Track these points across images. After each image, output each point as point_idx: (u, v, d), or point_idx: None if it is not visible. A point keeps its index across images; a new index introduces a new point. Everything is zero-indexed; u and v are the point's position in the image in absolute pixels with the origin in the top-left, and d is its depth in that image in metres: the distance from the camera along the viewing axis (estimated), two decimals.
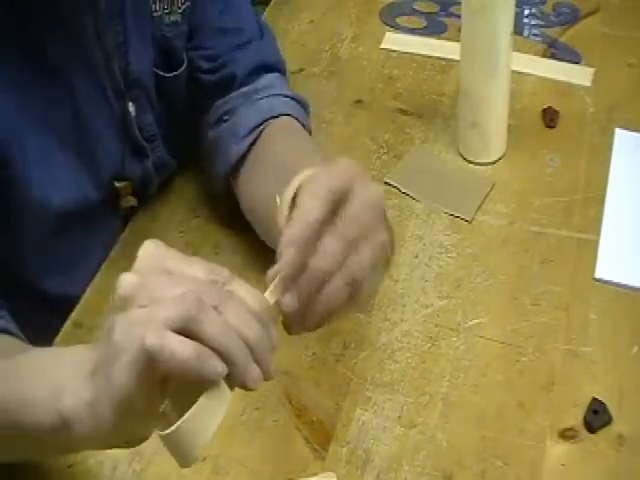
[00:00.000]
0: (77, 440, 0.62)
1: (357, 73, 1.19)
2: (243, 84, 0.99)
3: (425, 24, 1.28)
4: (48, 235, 0.89)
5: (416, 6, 1.31)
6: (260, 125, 0.94)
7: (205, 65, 1.00)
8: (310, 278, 0.64)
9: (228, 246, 0.97)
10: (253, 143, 0.94)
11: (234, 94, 0.99)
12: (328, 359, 0.87)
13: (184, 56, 0.98)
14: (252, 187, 0.93)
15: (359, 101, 1.15)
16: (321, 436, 0.81)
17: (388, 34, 1.25)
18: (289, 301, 0.65)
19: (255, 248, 0.93)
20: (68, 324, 0.90)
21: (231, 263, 0.93)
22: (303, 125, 0.97)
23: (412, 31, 1.26)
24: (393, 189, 1.02)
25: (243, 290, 0.61)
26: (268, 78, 1.00)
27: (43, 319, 0.88)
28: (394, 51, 1.23)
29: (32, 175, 0.84)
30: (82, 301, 0.92)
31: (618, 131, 1.08)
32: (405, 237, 0.98)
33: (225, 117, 0.99)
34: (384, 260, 0.69)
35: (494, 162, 1.06)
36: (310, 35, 1.25)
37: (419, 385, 0.84)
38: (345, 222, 0.65)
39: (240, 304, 0.60)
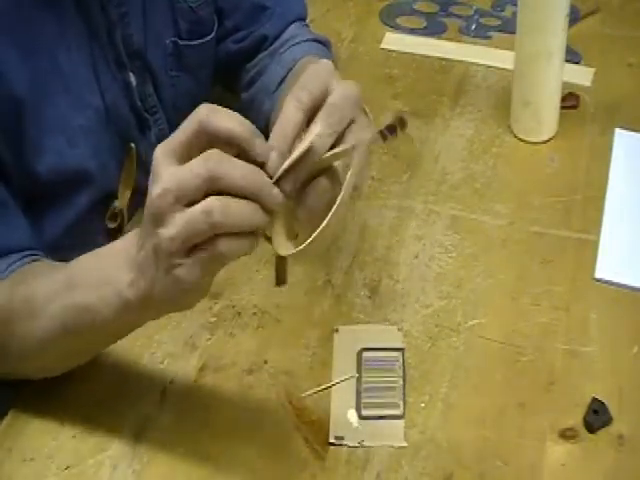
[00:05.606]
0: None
1: (357, 73, 1.19)
2: (272, 43, 1.05)
3: (425, 24, 1.28)
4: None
5: (416, 6, 1.31)
6: (286, 76, 1.00)
7: (236, 34, 1.05)
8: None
9: None
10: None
11: (262, 55, 1.05)
12: (328, 359, 0.87)
13: (213, 25, 1.02)
14: None
15: None
16: (321, 436, 0.81)
17: (388, 34, 1.25)
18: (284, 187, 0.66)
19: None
20: None
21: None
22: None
23: (412, 31, 1.27)
24: (392, 193, 1.02)
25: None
26: (290, 30, 1.06)
27: None
28: (394, 51, 1.23)
29: (47, 142, 0.86)
30: None
31: (618, 131, 1.08)
32: (405, 237, 0.98)
33: (256, 78, 1.06)
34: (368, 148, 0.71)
35: (546, 141, 1.08)
36: None
37: (419, 385, 0.84)
38: (327, 110, 0.67)
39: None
